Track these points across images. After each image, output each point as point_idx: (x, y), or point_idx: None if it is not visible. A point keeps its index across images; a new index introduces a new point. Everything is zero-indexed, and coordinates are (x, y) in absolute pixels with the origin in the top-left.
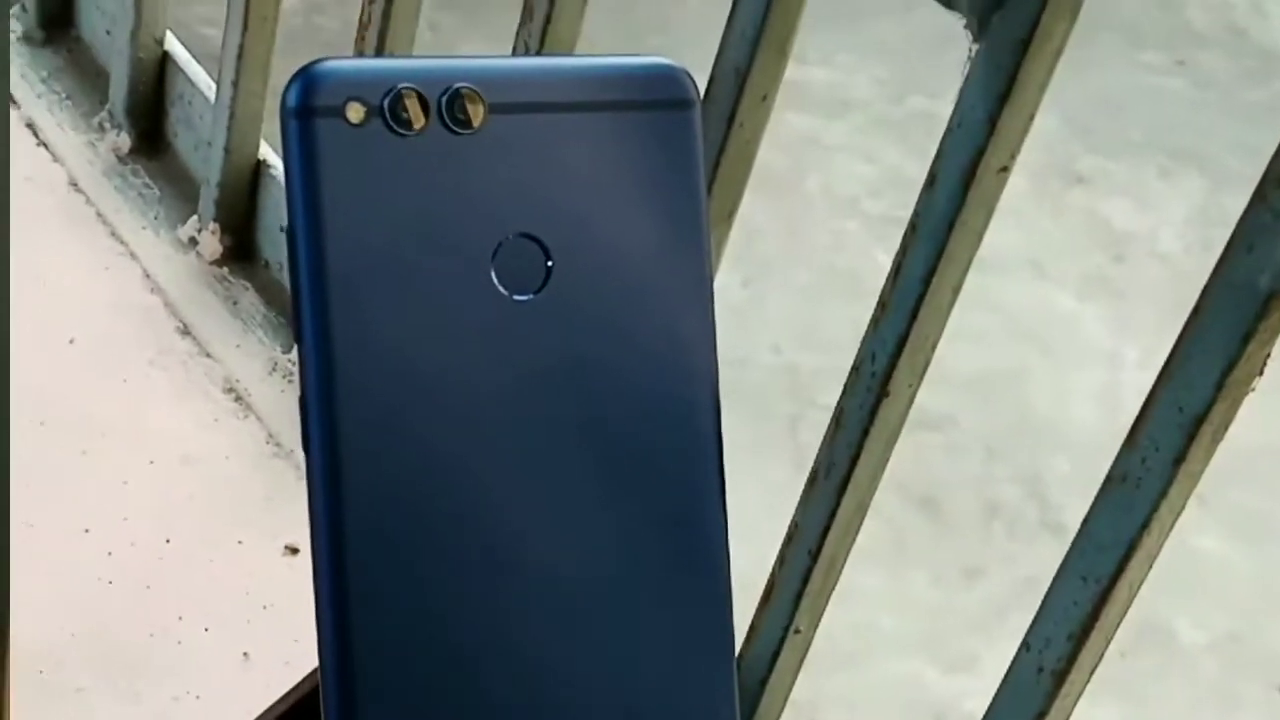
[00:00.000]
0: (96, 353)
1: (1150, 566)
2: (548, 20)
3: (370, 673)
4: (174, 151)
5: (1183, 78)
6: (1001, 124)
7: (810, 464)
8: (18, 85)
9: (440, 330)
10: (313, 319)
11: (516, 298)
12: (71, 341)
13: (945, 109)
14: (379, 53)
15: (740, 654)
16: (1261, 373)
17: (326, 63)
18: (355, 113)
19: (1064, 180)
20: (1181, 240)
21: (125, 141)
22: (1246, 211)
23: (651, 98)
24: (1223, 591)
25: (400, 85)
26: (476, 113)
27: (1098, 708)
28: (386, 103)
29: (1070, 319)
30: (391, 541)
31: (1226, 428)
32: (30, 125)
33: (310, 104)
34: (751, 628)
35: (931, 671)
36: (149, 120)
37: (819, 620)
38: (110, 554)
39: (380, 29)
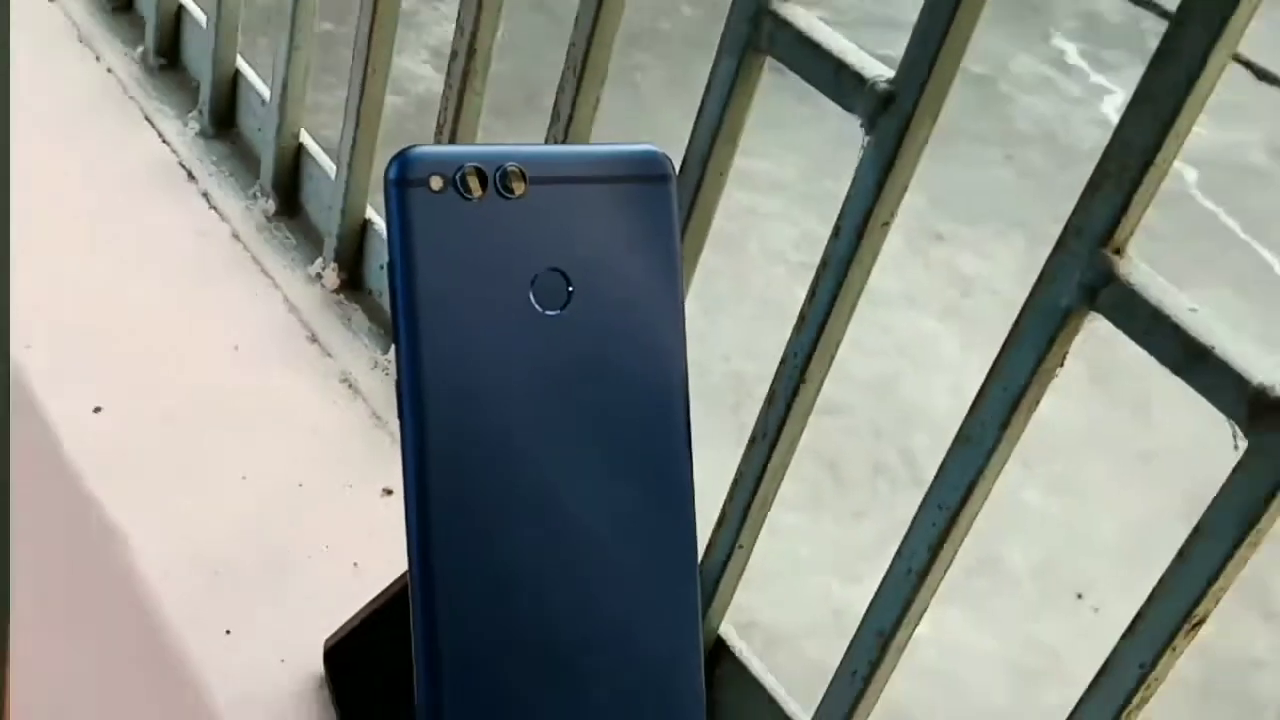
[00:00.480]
0: (252, 355)
1: (985, 500)
2: (569, 122)
3: (444, 570)
4: (305, 213)
5: (1012, 168)
6: (885, 191)
7: (748, 437)
8: (196, 166)
9: (494, 334)
10: (405, 328)
11: (548, 312)
12: (235, 348)
13: (843, 187)
14: (451, 144)
15: (701, 562)
16: (1062, 364)
17: (417, 149)
18: (435, 184)
19: (929, 239)
20: (1011, 281)
21: (271, 206)
22: (1051, 255)
23: (641, 174)
24: (1039, 531)
25: (466, 165)
26: (520, 184)
27: (949, 609)
28: (457, 177)
29: (933, 337)
30: (459, 480)
31: (1037, 404)
32: (205, 195)
33: (405, 177)
34: (709, 544)
35: (835, 583)
36: (288, 191)
37: (755, 539)
38: (260, 495)
39: (451, 130)
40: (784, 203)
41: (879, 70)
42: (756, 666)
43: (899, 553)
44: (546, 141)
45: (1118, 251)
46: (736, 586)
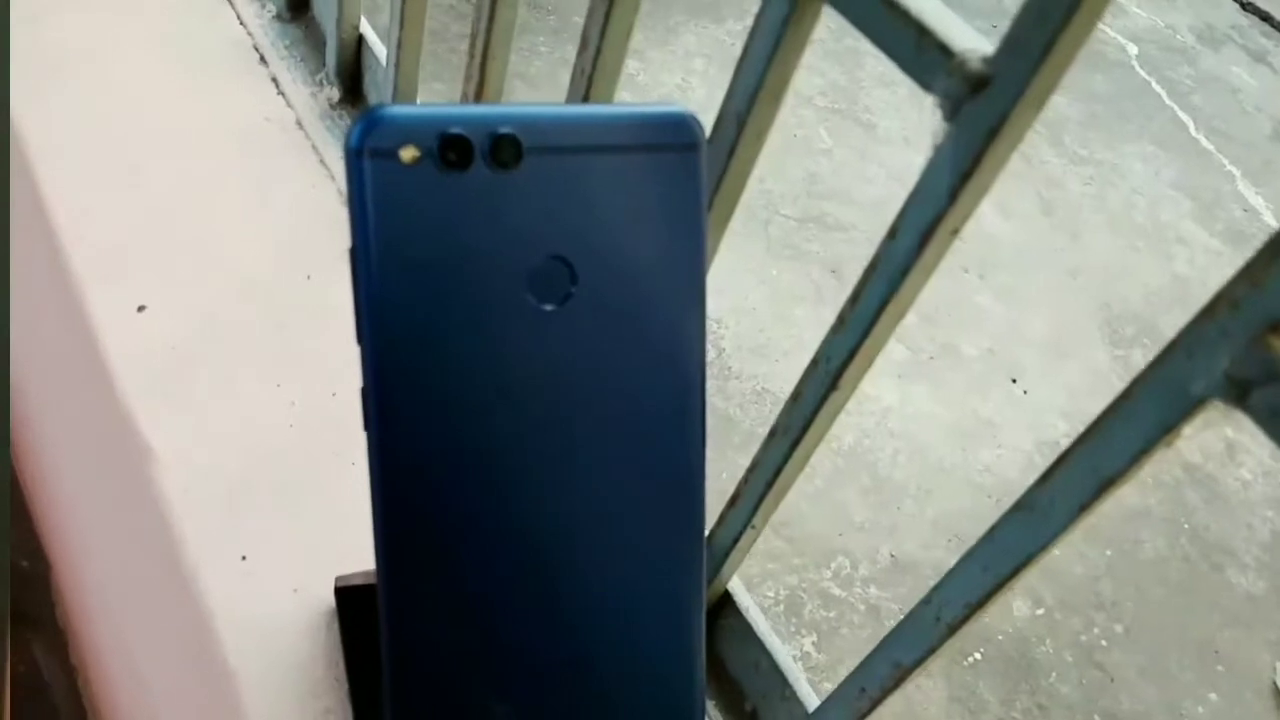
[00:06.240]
0: (300, 252)
1: (1032, 566)
2: (598, 52)
3: (407, 588)
4: (367, 102)
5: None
6: (962, 197)
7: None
8: (269, 50)
9: (478, 334)
10: (371, 327)
11: (545, 307)
12: (284, 244)
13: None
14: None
15: (710, 535)
16: (1169, 446)
17: (384, 109)
18: (409, 154)
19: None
20: None
21: (335, 94)
22: (1193, 321)
23: (665, 142)
24: (987, 327)
25: (449, 130)
26: (516, 155)
27: (915, 385)
28: (436, 145)
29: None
30: (429, 493)
31: (1122, 485)
32: (274, 80)
33: (369, 146)
34: (720, 518)
35: None
36: (351, 79)
37: (768, 520)
38: (293, 404)
39: (485, 43)
40: (814, 56)
41: (972, 43)
42: (756, 622)
43: (927, 599)
44: (575, 73)
45: None
46: (747, 554)
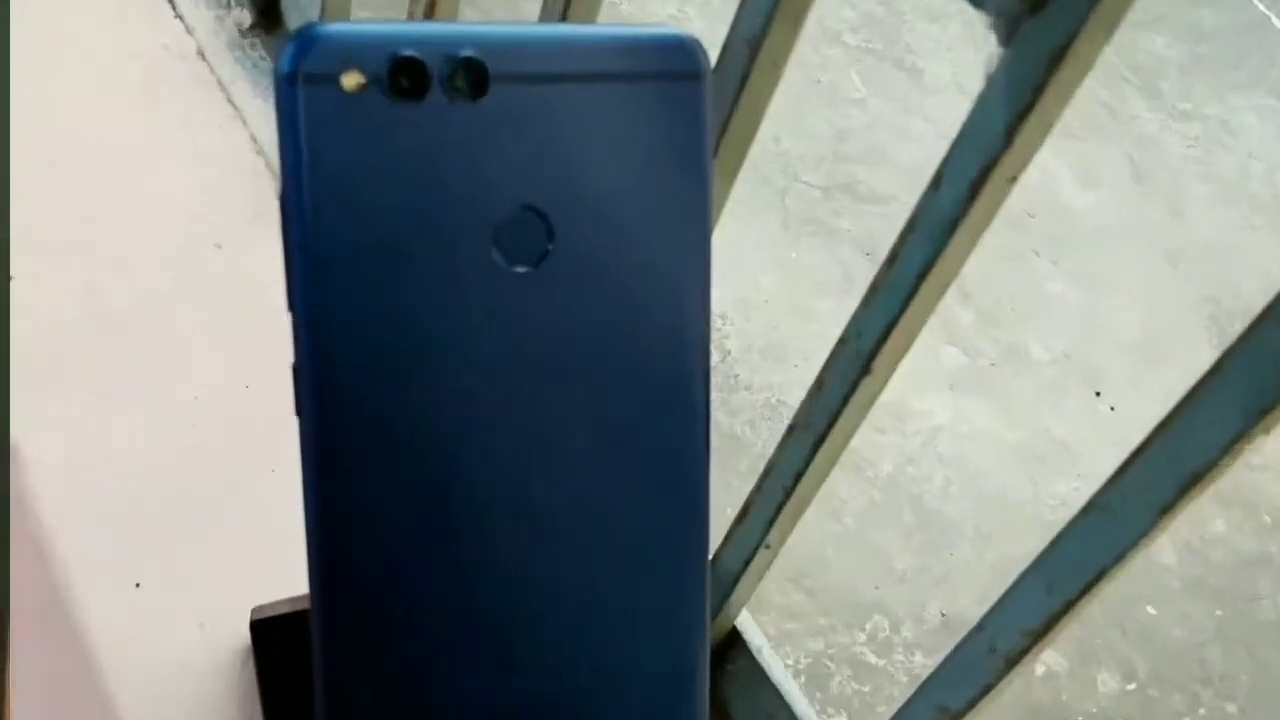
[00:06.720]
0: (208, 208)
1: (1110, 578)
2: None
3: (349, 601)
4: (286, 29)
5: None
6: (1020, 137)
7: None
8: None
9: (431, 298)
10: (304, 292)
11: (516, 269)
12: (189, 201)
13: None
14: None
15: (715, 556)
16: (1267, 433)
17: (323, 26)
18: (351, 80)
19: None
20: None
21: (246, 18)
22: None
23: (661, 69)
24: (1063, 326)
25: (401, 52)
26: (480, 83)
27: (974, 400)
28: (385, 71)
29: None
30: (376, 496)
31: (1215, 481)
32: (171, 0)
33: (304, 70)
34: (728, 536)
35: None
36: (266, 1)
37: (785, 539)
38: (197, 399)
39: (427, 8)
40: None
41: None
42: (771, 666)
43: (980, 626)
44: (543, 10)
45: None
46: (759, 582)
